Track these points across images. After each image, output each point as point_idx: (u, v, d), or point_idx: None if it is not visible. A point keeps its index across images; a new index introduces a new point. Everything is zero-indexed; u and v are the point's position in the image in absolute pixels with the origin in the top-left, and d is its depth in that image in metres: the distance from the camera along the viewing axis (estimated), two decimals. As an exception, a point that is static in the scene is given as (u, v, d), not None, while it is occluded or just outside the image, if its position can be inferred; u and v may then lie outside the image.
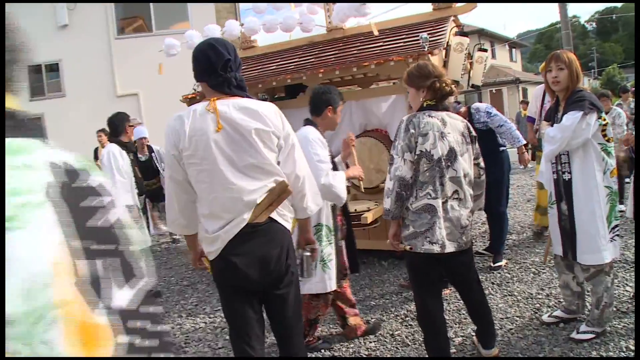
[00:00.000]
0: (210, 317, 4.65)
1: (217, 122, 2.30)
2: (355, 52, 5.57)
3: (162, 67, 6.36)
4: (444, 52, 5.00)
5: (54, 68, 14.44)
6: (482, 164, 3.19)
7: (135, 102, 13.96)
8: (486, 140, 5.13)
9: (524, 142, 5.30)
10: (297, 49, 6.29)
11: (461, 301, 3.60)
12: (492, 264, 5.08)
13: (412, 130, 2.88)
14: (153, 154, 7.93)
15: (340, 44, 5.93)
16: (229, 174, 2.30)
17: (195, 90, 6.03)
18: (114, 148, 5.36)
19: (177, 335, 4.39)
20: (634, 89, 8.77)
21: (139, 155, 7.69)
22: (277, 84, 5.59)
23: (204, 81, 2.44)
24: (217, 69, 2.35)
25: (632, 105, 8.57)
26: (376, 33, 5.47)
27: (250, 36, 6.72)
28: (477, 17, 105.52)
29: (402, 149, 2.89)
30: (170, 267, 6.78)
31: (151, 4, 14.32)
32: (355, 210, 4.89)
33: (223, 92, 2.38)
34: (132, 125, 5.44)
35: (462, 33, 5.26)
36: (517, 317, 3.94)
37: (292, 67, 5.75)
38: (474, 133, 3.09)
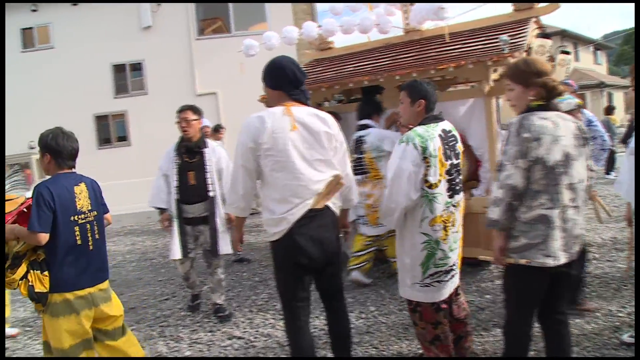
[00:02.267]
0: (280, 314, 4.70)
1: (293, 123, 2.84)
2: (432, 54, 5.51)
3: (243, 67, 6.49)
4: (524, 54, 4.85)
5: (137, 67, 15.06)
6: (593, 167, 3.01)
7: (214, 100, 14.35)
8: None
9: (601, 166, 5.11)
10: (373, 50, 6.30)
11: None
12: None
13: (525, 135, 2.63)
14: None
15: (418, 46, 5.89)
16: (300, 166, 2.82)
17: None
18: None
19: (246, 329, 4.51)
20: None
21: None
22: (354, 85, 5.61)
23: (282, 90, 2.96)
24: (300, 83, 2.97)
25: None
26: (448, 39, 5.39)
27: (328, 37, 6.78)
28: (559, 17, 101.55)
29: (514, 155, 2.65)
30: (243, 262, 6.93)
31: (230, 6, 14.67)
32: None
33: (299, 101, 2.95)
34: None
35: (544, 35, 5.10)
36: (595, 334, 3.78)
37: (369, 68, 5.75)
38: (587, 133, 2.86)
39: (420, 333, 3.31)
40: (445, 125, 3.26)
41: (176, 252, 4.75)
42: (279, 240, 2.90)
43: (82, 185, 3.25)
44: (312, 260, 2.89)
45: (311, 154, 2.86)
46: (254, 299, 5.31)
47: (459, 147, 3.28)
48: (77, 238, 3.13)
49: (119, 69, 15.09)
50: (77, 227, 3.14)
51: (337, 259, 3.06)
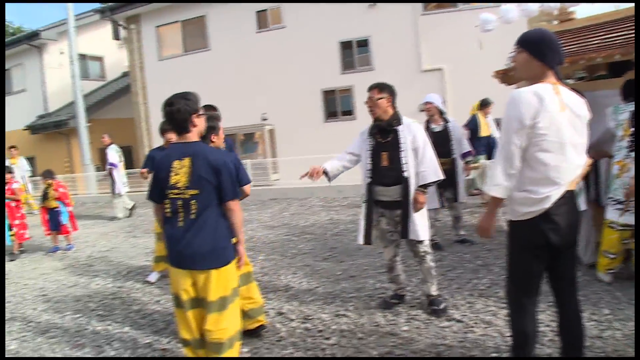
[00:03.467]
0: (502, 302, 4.49)
1: (562, 104, 2.73)
2: None
3: (481, 43, 6.33)
4: None
5: (363, 44, 15.58)
6: None
7: (439, 76, 14.24)
8: None
9: None
10: (625, 19, 5.56)
11: None
12: None
13: None
14: (449, 125, 6.71)
15: (682, 13, 5.05)
16: (569, 148, 2.74)
17: (509, 65, 5.81)
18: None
19: (466, 313, 4.41)
20: None
21: (432, 126, 6.72)
22: (603, 60, 5.00)
23: (548, 65, 2.79)
24: (563, 61, 2.85)
25: None
26: None
27: (569, 7, 6.22)
28: None
29: None
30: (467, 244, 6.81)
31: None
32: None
33: (560, 80, 2.83)
34: None
35: None
36: None
37: (620, 40, 5.10)
38: None
39: None
40: None
41: (360, 237, 4.58)
42: (531, 220, 2.82)
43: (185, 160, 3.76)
44: (562, 240, 2.83)
45: (576, 137, 2.79)
46: (475, 283, 5.16)
47: None
48: None
49: (345, 45, 15.78)
50: None
51: (576, 241, 3.04)
